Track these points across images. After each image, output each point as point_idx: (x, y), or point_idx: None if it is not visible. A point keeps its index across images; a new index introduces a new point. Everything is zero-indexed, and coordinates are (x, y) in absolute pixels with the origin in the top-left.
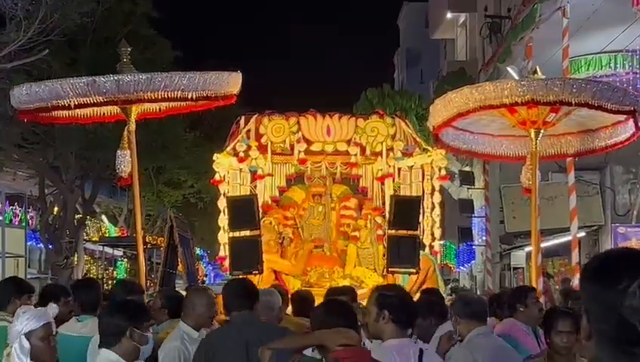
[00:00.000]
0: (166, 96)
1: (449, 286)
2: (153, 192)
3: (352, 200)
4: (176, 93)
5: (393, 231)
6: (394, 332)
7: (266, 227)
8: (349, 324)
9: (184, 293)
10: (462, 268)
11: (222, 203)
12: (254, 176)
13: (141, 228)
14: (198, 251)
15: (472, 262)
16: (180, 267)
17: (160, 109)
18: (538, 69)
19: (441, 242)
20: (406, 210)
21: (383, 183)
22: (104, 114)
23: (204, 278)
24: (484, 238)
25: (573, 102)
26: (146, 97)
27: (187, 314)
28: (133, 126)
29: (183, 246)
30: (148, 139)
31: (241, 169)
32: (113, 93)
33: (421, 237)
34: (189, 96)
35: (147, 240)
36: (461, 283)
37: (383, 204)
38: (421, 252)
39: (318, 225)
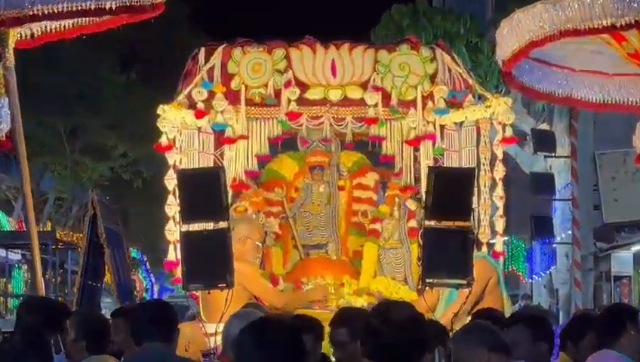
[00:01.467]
0: (73, 9)
1: (517, 304)
2: (66, 165)
3: (370, 176)
4: (89, 3)
5: (433, 223)
6: None
7: (239, 217)
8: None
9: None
10: (536, 277)
11: (171, 180)
12: (220, 138)
13: (34, 218)
14: (134, 253)
15: (552, 268)
16: (107, 277)
17: (42, 31)
18: None
19: (505, 238)
20: (453, 191)
21: (417, 149)
22: None
23: (144, 294)
24: (569, 233)
25: None
26: (42, 13)
27: None
28: (11, 59)
29: (111, 247)
30: (57, 83)
31: (199, 128)
32: None
33: (476, 231)
34: (107, 7)
35: (58, 237)
36: (535, 300)
37: (418, 180)
38: (476, 254)
39: (319, 214)
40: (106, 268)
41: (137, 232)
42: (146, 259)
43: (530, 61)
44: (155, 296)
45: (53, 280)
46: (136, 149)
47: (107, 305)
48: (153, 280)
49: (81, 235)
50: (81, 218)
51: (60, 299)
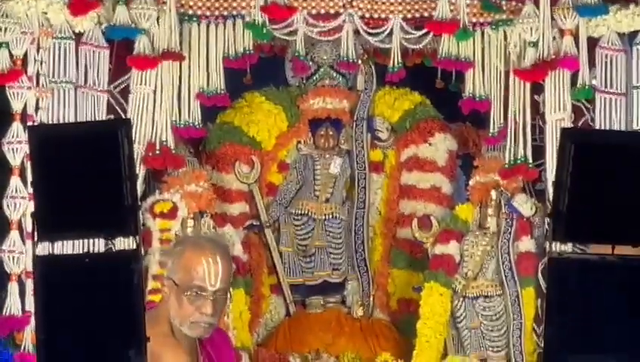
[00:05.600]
0: None
1: None
2: None
3: (437, 142)
4: None
5: (570, 247)
6: None
7: (164, 227)
8: None
9: None
10: None
11: (17, 145)
12: (124, 58)
13: None
14: None
15: None
16: None
17: None
18: None
19: None
20: (616, 180)
21: (540, 87)
22: None
23: None
24: None
25: None
26: None
27: None
28: None
29: None
30: None
31: (79, 36)
32: None
33: None
34: None
35: None
36: None
37: (541, 154)
38: None
39: (330, 221)
40: None
41: None
42: None
43: None
44: None
45: None
46: None
47: None
48: None
49: None
50: None
51: None
